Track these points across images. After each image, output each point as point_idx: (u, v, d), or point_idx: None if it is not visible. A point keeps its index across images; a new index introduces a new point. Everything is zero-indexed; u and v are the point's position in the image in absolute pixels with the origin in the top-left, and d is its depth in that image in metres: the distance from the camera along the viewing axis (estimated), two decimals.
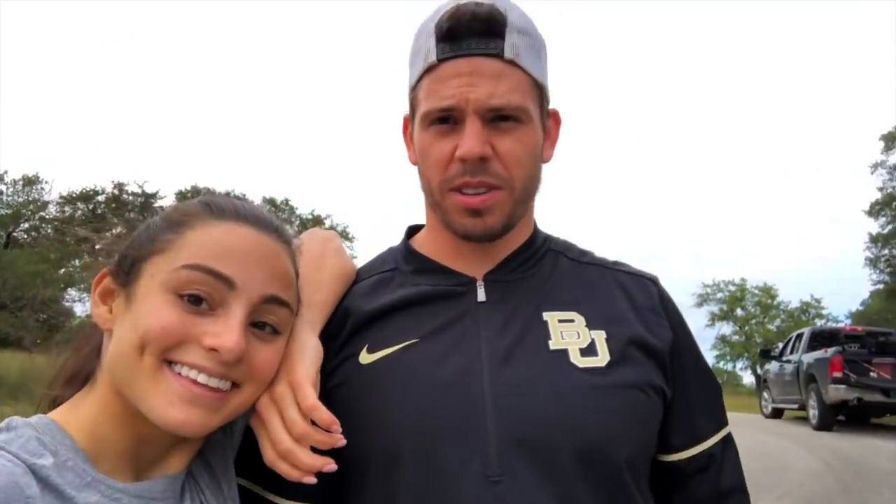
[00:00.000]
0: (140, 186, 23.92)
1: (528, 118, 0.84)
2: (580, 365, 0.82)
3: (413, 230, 1.02)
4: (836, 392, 10.16)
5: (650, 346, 0.87)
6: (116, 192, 24.46)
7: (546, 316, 0.86)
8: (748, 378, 40.34)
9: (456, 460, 0.77)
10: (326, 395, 0.84)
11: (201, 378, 0.65)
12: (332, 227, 25.89)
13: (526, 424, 0.78)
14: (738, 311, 38.84)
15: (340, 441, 0.71)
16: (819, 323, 34.88)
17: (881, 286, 23.45)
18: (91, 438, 0.66)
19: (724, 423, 0.95)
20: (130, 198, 24.20)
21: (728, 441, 0.94)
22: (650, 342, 0.87)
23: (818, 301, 37.67)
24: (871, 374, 10.75)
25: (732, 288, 38.90)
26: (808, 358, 11.48)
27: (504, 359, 0.81)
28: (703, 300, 38.58)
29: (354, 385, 0.83)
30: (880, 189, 19.76)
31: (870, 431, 10.85)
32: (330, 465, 0.70)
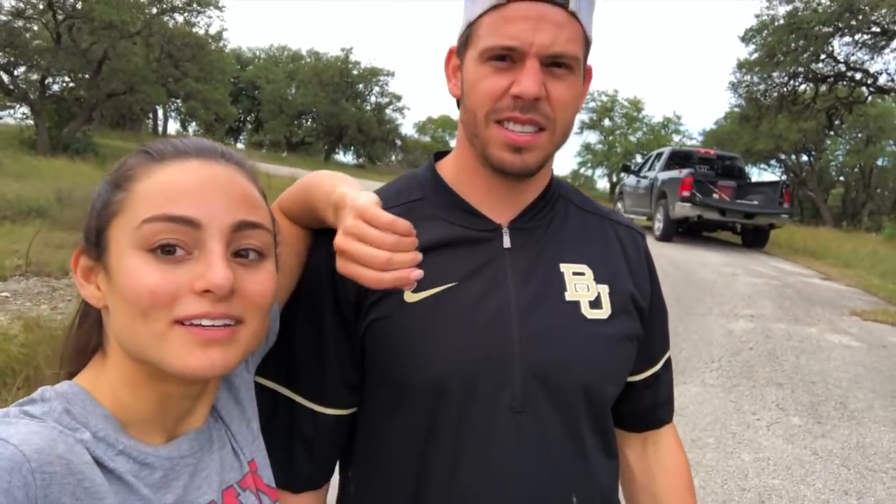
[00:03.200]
0: None
1: (577, 68, 0.87)
2: (588, 316, 0.93)
3: (438, 156, 1.03)
4: (681, 209, 11.30)
5: (637, 302, 0.99)
6: None
7: (562, 268, 0.95)
8: (602, 184, 43.55)
9: (489, 393, 0.87)
10: (366, 327, 0.90)
11: (205, 322, 0.63)
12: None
13: (545, 365, 0.89)
14: (606, 122, 40.63)
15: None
16: (676, 138, 37.51)
17: (737, 110, 25.23)
18: (116, 406, 0.65)
19: (668, 346, 1.12)
20: None
21: (668, 361, 1.12)
22: (638, 299, 0.99)
23: (679, 118, 40.22)
24: (714, 195, 11.99)
25: (605, 98, 40.24)
26: (664, 176, 12.48)
27: (529, 307, 0.91)
28: None
29: (400, 321, 0.88)
30: (757, 16, 20.37)
31: (701, 244, 12.38)
32: (417, 273, 0.72)
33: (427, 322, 0.88)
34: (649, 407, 1.09)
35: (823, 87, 21.20)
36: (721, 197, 12.04)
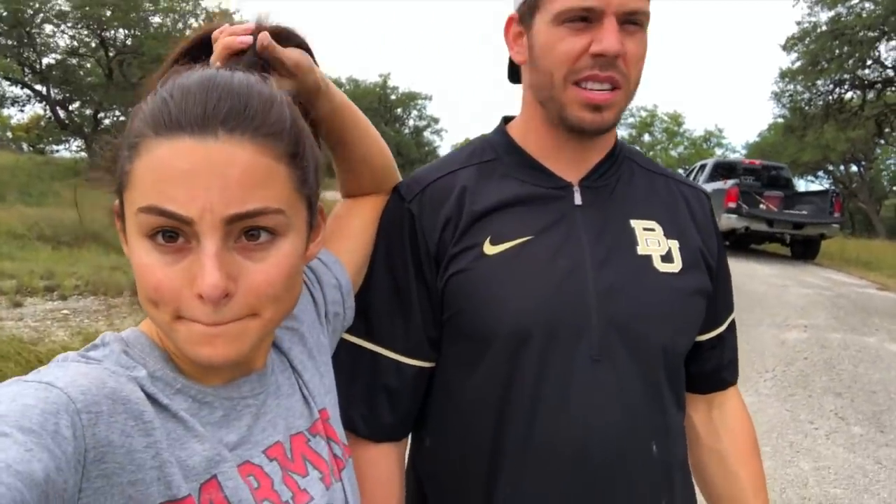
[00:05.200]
0: None
1: (646, 24, 0.89)
2: (661, 270, 0.95)
3: (506, 120, 1.07)
4: (728, 221, 11.04)
5: (706, 258, 1.02)
6: None
7: (633, 224, 0.97)
8: None
9: (569, 341, 0.90)
10: (446, 280, 0.93)
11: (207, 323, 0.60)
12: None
13: (621, 316, 0.91)
14: (646, 137, 40.26)
15: None
16: (719, 152, 36.92)
17: (781, 121, 24.71)
18: (171, 350, 0.66)
19: (733, 308, 1.13)
20: None
21: (733, 323, 1.13)
22: (706, 254, 1.02)
23: (720, 131, 39.72)
24: (761, 205, 11.74)
25: (644, 114, 39.93)
26: (708, 187, 12.21)
27: (603, 261, 0.93)
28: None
29: (480, 272, 0.92)
30: (798, 23, 20.02)
31: (750, 256, 12.09)
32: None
33: (507, 273, 0.91)
34: (714, 368, 1.10)
35: (871, 94, 20.60)
36: (768, 207, 11.78)
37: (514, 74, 1.06)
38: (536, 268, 0.91)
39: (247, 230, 0.60)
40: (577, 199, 0.97)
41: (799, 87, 21.51)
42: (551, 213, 0.95)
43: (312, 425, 0.76)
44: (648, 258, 0.95)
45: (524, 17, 0.94)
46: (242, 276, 0.60)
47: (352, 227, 0.96)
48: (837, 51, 19.08)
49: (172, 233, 0.58)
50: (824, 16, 19.17)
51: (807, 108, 21.77)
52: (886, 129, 22.31)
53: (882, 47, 19.03)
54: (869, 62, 19.56)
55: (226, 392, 0.67)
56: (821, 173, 29.31)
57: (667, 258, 0.96)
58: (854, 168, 28.46)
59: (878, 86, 20.19)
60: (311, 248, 0.72)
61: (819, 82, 20.45)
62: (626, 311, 0.92)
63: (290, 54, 0.75)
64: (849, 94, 21.04)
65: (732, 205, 10.95)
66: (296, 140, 0.64)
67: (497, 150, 1.02)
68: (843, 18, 18.62)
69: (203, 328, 0.59)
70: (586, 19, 0.86)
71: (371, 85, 39.62)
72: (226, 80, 0.61)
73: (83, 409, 0.52)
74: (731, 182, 11.52)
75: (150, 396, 0.60)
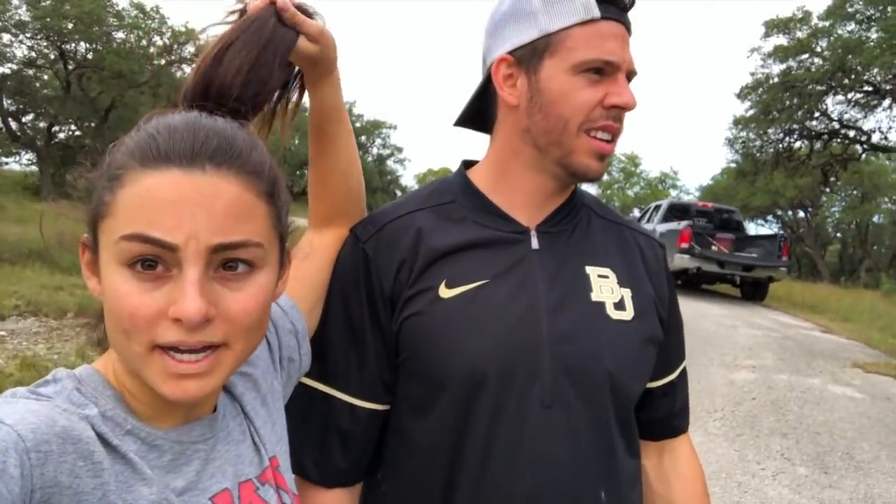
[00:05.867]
0: None
1: None
2: (613, 317, 0.96)
3: (467, 165, 1.06)
4: (680, 260, 11.31)
5: (658, 307, 1.02)
6: None
7: (588, 270, 0.98)
8: None
9: (523, 385, 0.89)
10: (401, 323, 0.92)
11: (182, 349, 0.60)
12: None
13: (572, 359, 0.91)
14: (604, 176, 41.16)
15: None
16: (673, 193, 37.90)
17: (733, 166, 25.57)
18: (125, 390, 0.65)
19: (684, 356, 1.14)
20: None
21: (684, 370, 1.14)
22: (658, 303, 1.03)
23: (675, 173, 40.78)
24: (713, 247, 12.05)
25: None
26: (662, 228, 12.54)
27: (557, 306, 0.93)
28: None
29: (435, 316, 0.91)
30: (752, 74, 20.90)
31: (701, 296, 12.36)
32: None
33: (463, 316, 0.90)
34: (666, 415, 1.10)
35: (818, 144, 21.55)
36: (720, 249, 12.10)
37: (474, 116, 1.04)
38: (492, 312, 0.91)
39: (226, 261, 0.61)
40: (535, 244, 0.96)
41: (751, 135, 22.38)
42: (508, 257, 0.95)
43: (262, 473, 0.74)
44: (602, 305, 0.95)
45: (524, 60, 0.92)
46: (220, 303, 0.61)
47: (308, 270, 0.95)
48: (788, 102, 19.97)
49: (152, 261, 0.59)
50: (776, 68, 20.11)
51: (758, 154, 22.63)
52: (832, 178, 23.29)
53: (829, 101, 20.01)
54: (817, 114, 20.50)
55: (176, 435, 0.66)
56: (770, 217, 30.33)
57: (619, 306, 0.97)
58: (801, 214, 29.51)
59: (825, 137, 21.14)
60: (279, 285, 0.72)
61: (770, 131, 21.32)
62: (578, 356, 0.92)
63: (317, 22, 0.83)
64: (797, 144, 21.97)
65: (685, 245, 11.23)
66: (273, 181, 0.67)
67: (455, 192, 1.01)
68: (793, 72, 19.52)
69: (176, 364, 0.59)
70: (601, 72, 0.89)
71: None
72: (211, 122, 0.64)
73: (32, 448, 0.51)
74: (684, 223, 11.82)
75: (100, 436, 0.59)
